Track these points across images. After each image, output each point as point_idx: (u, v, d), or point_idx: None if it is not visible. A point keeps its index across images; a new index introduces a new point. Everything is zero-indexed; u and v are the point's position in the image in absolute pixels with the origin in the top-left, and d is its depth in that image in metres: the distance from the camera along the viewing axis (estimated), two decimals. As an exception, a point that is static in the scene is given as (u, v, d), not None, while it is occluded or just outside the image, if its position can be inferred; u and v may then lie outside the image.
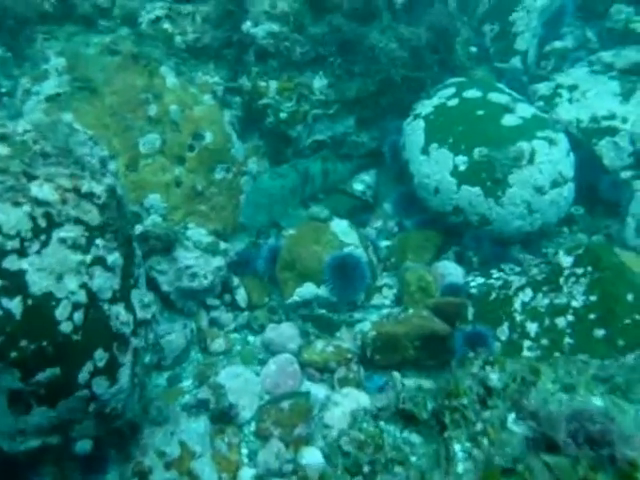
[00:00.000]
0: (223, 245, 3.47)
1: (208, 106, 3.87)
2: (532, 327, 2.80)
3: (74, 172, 2.36)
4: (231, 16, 4.00)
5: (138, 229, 3.23)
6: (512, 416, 1.80)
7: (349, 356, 3.20)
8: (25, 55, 3.81)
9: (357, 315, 3.45)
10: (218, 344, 3.27)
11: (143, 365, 2.50)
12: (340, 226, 3.70)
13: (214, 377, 3.08)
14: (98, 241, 2.30)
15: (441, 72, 4.43)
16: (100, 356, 2.24)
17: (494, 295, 3.08)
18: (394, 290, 3.60)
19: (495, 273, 3.47)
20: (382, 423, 2.06)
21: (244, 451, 2.87)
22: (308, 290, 3.41)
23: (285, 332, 3.31)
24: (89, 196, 2.34)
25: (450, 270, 3.59)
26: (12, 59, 3.78)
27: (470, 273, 3.59)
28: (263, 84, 3.97)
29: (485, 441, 1.73)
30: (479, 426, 1.76)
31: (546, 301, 2.83)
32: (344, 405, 2.90)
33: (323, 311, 3.41)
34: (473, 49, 4.72)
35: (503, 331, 2.89)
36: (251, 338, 3.41)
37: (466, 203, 3.59)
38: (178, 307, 3.33)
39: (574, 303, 2.72)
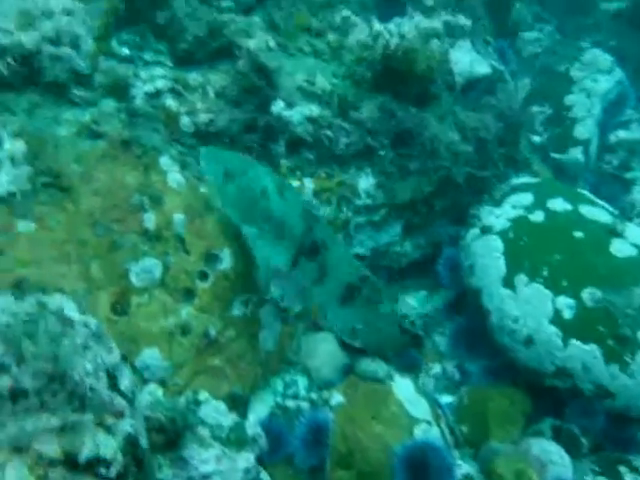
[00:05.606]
0: (252, 428, 2.40)
1: (225, 214, 2.83)
2: None
3: (67, 420, 1.29)
4: (256, 92, 3.00)
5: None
6: None
7: None
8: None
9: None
10: None
11: None
12: (405, 390, 2.71)
13: None
14: None
15: (506, 169, 3.58)
16: None
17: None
18: (477, 485, 2.63)
19: (627, 474, 2.55)
20: None
21: None
22: (373, 501, 2.39)
23: None
24: (93, 466, 1.28)
25: (553, 456, 2.64)
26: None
27: (579, 461, 2.66)
28: (296, 183, 2.98)
29: None
30: None
31: None
32: None
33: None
34: (536, 139, 3.88)
35: None
36: None
37: (578, 365, 2.67)
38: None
39: None
